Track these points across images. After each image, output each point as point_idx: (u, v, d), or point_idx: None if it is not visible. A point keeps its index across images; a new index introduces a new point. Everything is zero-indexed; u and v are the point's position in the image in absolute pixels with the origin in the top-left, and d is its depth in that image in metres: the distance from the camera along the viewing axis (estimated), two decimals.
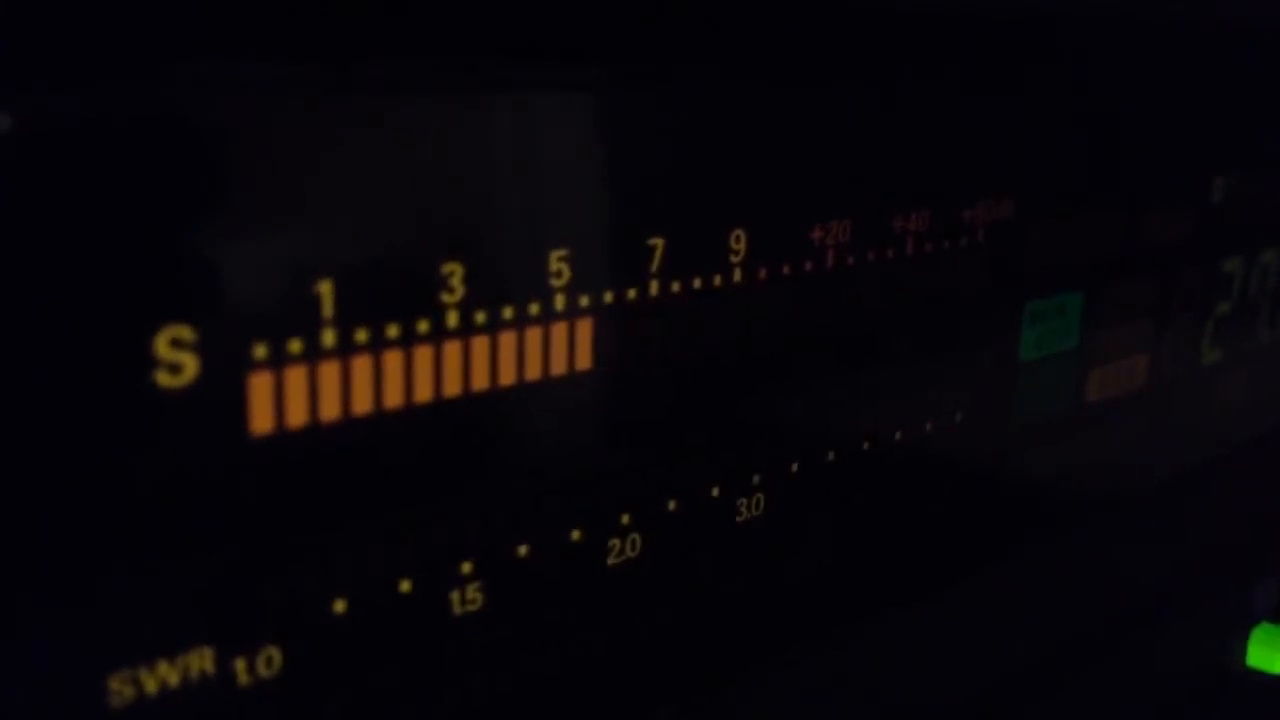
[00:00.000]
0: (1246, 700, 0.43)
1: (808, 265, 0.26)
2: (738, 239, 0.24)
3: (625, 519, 0.24)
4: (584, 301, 0.22)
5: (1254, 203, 0.40)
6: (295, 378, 0.18)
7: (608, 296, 0.22)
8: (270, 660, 0.19)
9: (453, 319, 0.20)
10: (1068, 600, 0.37)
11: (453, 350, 0.20)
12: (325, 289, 0.19)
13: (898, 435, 0.30)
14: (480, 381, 0.21)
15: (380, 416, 0.20)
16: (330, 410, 0.19)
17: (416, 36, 0.19)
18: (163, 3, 0.16)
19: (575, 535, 0.23)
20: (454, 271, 0.20)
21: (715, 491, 0.26)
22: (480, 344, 0.21)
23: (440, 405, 0.20)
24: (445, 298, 0.20)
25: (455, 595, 0.21)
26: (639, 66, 0.22)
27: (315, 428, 0.19)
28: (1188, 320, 0.40)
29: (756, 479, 0.26)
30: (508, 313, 0.21)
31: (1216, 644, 0.43)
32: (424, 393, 0.20)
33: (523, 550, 0.22)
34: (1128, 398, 0.38)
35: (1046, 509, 0.36)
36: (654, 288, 0.23)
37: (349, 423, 0.19)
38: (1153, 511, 0.40)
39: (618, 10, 0.21)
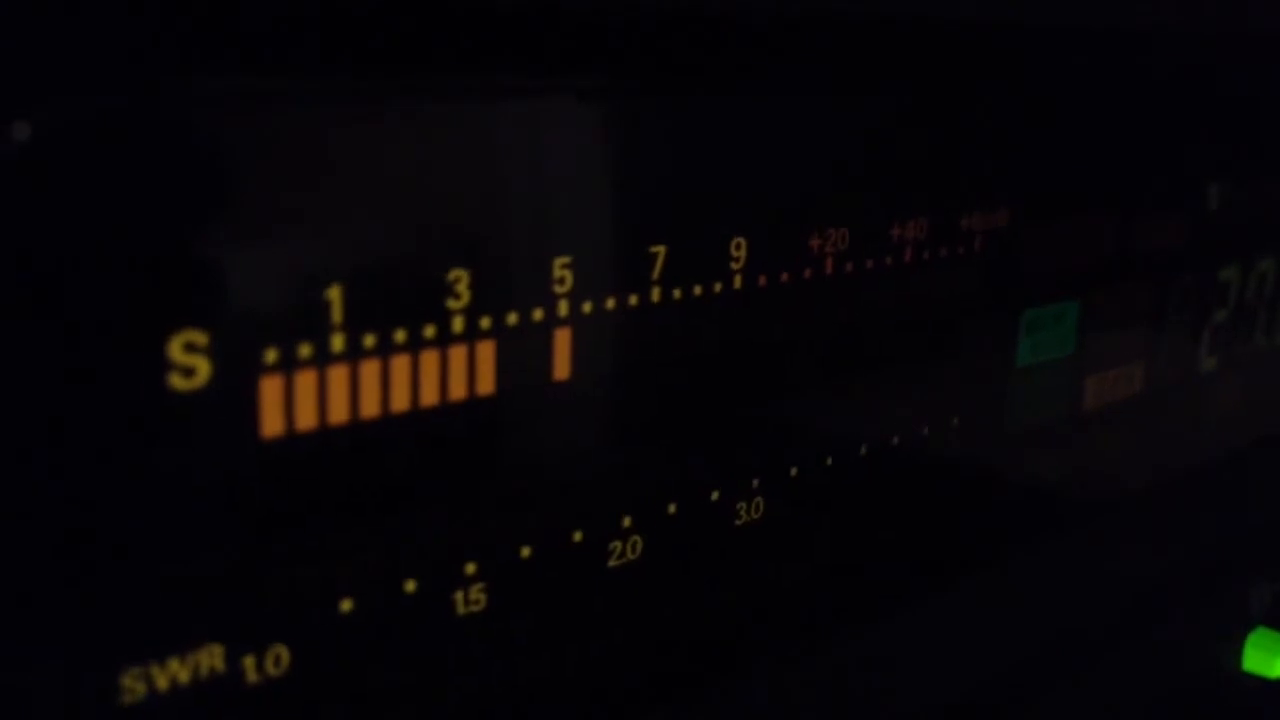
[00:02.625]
0: (1243, 705, 0.44)
1: (806, 273, 0.26)
2: (738, 246, 0.25)
3: (627, 521, 0.24)
4: (586, 308, 0.22)
5: (1250, 210, 0.41)
6: (305, 381, 0.19)
7: (610, 303, 0.23)
8: (279, 659, 0.20)
9: (458, 324, 0.21)
10: (1064, 605, 0.37)
11: (458, 355, 0.21)
12: (335, 295, 0.19)
13: (895, 440, 0.30)
14: (485, 386, 0.21)
15: (388, 420, 0.20)
16: (339, 413, 0.19)
17: (421, 44, 0.19)
18: (172, 12, 0.17)
19: (577, 537, 0.24)
20: (460, 278, 0.20)
21: (715, 495, 0.26)
22: (485, 349, 0.21)
23: (446, 409, 0.21)
24: (451, 303, 0.20)
25: (459, 595, 0.22)
26: (640, 77, 0.23)
27: (325, 430, 0.19)
28: (1184, 328, 0.40)
29: (756, 483, 0.27)
30: (512, 318, 0.21)
31: (1213, 648, 0.43)
32: (430, 396, 0.20)
33: (525, 552, 0.23)
34: (1124, 404, 0.38)
35: (1042, 514, 0.36)
36: (655, 294, 0.24)
37: (357, 425, 0.20)
38: (1149, 516, 0.40)
39: (618, 21, 0.22)
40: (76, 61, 0.16)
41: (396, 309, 0.20)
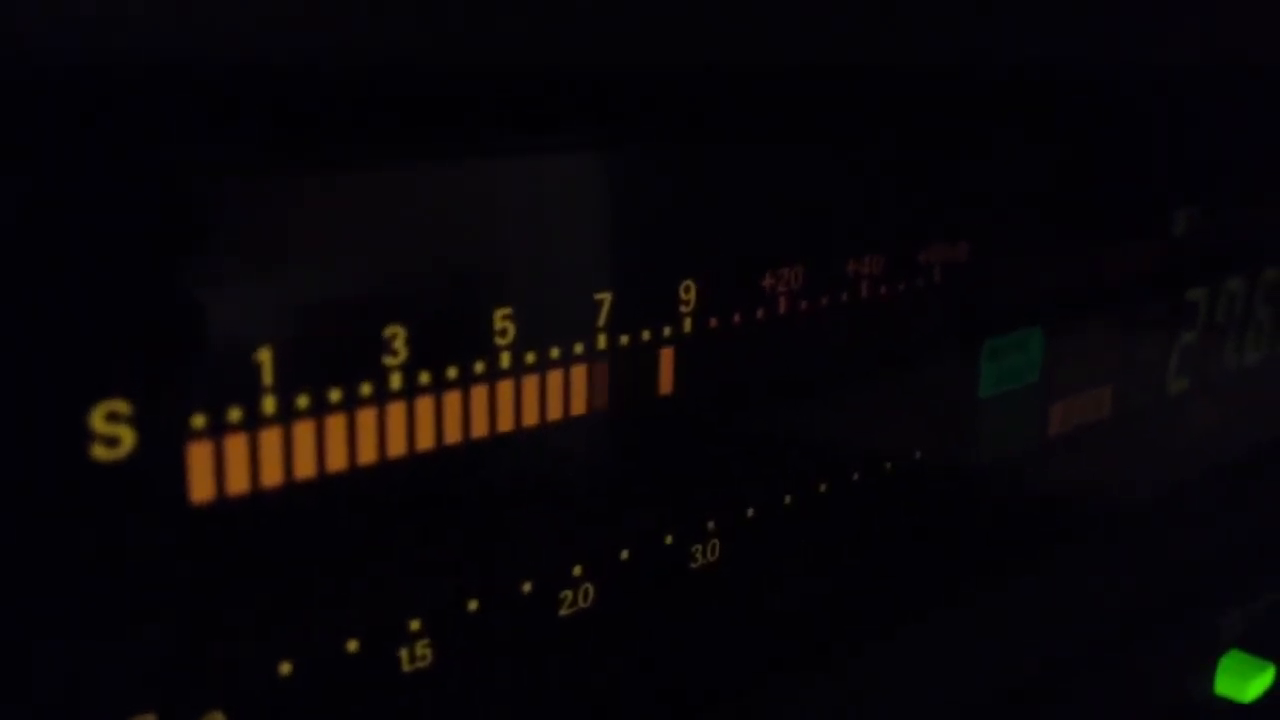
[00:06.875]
0: None
1: (759, 313, 0.26)
2: (687, 289, 0.25)
3: (577, 570, 0.24)
4: (530, 359, 0.22)
5: (1217, 231, 0.41)
6: (235, 446, 0.19)
7: (554, 353, 0.22)
8: None
9: (396, 381, 0.20)
10: (1034, 631, 0.37)
11: (396, 412, 0.20)
12: (265, 357, 0.19)
13: (856, 477, 0.30)
14: (425, 442, 0.21)
15: (324, 480, 0.20)
16: (272, 477, 0.19)
17: (351, 109, 0.19)
18: (81, 86, 0.16)
19: (526, 587, 0.23)
20: (397, 334, 0.20)
21: (669, 539, 0.26)
22: (425, 405, 0.21)
23: (384, 466, 0.20)
24: (388, 360, 0.20)
25: (404, 653, 0.22)
26: (586, 129, 0.23)
27: (257, 494, 0.19)
28: (1152, 351, 0.40)
29: (711, 525, 0.27)
30: (452, 372, 0.21)
31: (1185, 672, 0.43)
32: (368, 455, 0.20)
33: (473, 605, 0.22)
34: (1092, 429, 0.38)
35: (1010, 542, 0.36)
36: (602, 341, 0.23)
37: (291, 488, 0.19)
38: (1119, 541, 0.40)
39: (564, 76, 0.21)
40: None
41: (330, 369, 0.19)
